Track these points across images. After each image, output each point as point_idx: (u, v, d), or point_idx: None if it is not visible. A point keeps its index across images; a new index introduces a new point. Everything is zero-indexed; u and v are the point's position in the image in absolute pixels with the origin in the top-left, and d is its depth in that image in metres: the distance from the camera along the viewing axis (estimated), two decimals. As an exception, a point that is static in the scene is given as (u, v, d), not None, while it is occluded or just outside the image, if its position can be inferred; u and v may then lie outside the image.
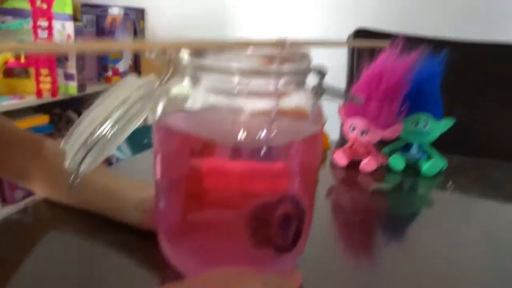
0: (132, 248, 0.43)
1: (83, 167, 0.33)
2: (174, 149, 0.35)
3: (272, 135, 0.31)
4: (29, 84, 1.56)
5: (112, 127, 0.31)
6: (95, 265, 0.42)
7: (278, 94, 0.30)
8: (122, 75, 1.86)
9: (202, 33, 1.79)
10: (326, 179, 0.69)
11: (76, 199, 0.48)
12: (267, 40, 0.30)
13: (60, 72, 1.64)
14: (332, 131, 0.79)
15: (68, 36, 1.59)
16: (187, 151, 0.34)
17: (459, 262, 0.46)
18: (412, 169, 0.73)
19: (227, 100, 0.31)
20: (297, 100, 0.32)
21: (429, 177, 0.71)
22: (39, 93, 1.54)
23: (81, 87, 1.66)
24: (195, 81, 0.32)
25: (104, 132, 0.31)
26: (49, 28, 1.50)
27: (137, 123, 0.35)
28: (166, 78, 0.32)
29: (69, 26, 1.58)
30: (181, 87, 0.33)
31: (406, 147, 0.74)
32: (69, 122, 1.75)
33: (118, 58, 1.86)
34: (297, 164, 0.35)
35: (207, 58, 0.31)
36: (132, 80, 0.32)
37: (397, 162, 0.72)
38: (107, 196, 0.46)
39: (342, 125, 0.73)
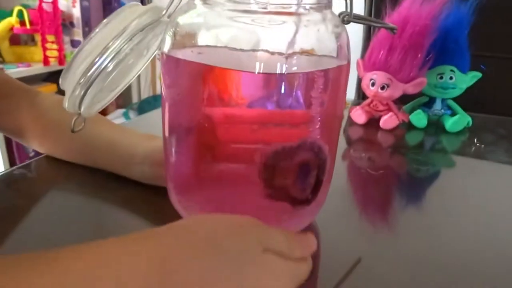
0: (139, 203, 0.41)
1: (83, 108, 0.30)
2: (184, 88, 0.31)
3: (292, 63, 0.27)
4: (36, 52, 1.53)
5: (112, 59, 0.27)
6: (101, 222, 0.40)
7: (300, 14, 0.26)
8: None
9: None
10: (343, 138, 0.65)
11: (80, 153, 0.45)
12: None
13: (66, 39, 1.61)
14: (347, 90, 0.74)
15: None
16: (199, 89, 0.30)
17: (481, 223, 0.42)
18: (434, 126, 0.69)
19: (243, 25, 0.27)
20: (321, 27, 0.28)
21: (453, 134, 0.67)
22: (46, 61, 1.52)
23: (88, 54, 1.63)
24: (207, 2, 0.28)
25: (103, 65, 0.27)
26: (54, -9, 1.46)
27: (146, 60, 0.32)
28: (173, 4, 0.28)
29: (74, -11, 1.54)
30: (191, 15, 0.29)
31: (428, 104, 0.70)
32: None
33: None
34: (318, 105, 0.31)
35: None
36: (134, 7, 0.29)
37: (419, 118, 0.68)
38: (112, 148, 0.43)
39: (360, 81, 0.69)
